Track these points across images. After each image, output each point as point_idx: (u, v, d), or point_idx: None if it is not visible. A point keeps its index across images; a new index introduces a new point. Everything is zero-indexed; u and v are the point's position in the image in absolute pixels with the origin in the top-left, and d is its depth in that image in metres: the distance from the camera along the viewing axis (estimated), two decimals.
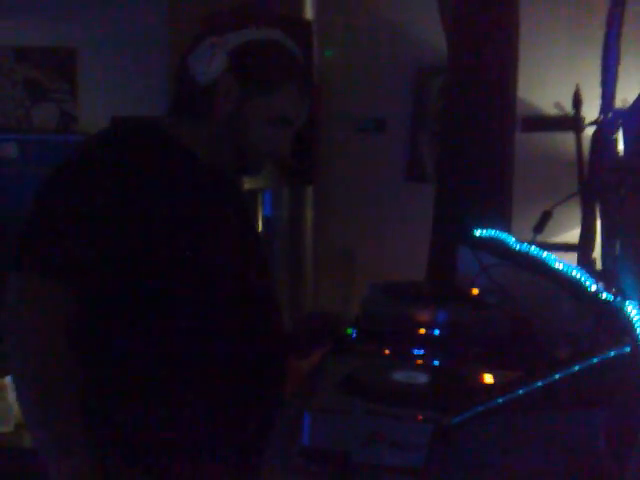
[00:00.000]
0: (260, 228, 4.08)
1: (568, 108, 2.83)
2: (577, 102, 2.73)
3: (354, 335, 2.05)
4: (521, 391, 1.48)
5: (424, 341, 1.94)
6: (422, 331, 1.99)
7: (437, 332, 2.00)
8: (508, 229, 3.14)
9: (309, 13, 4.38)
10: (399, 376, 1.65)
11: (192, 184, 1.87)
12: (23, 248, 1.70)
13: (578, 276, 2.02)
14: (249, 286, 1.92)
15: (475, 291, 2.31)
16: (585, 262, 2.42)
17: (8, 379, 3.34)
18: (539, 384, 1.49)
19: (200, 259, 1.80)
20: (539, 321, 2.10)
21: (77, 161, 1.79)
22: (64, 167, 1.78)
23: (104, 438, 1.73)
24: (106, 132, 1.89)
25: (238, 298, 1.88)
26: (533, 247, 2.39)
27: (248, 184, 3.71)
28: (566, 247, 2.78)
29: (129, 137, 1.86)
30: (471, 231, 2.77)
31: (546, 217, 2.49)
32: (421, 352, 1.87)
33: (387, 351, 1.90)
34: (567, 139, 2.96)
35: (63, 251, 1.67)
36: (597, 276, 2.00)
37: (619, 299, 1.78)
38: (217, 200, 1.94)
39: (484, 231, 2.78)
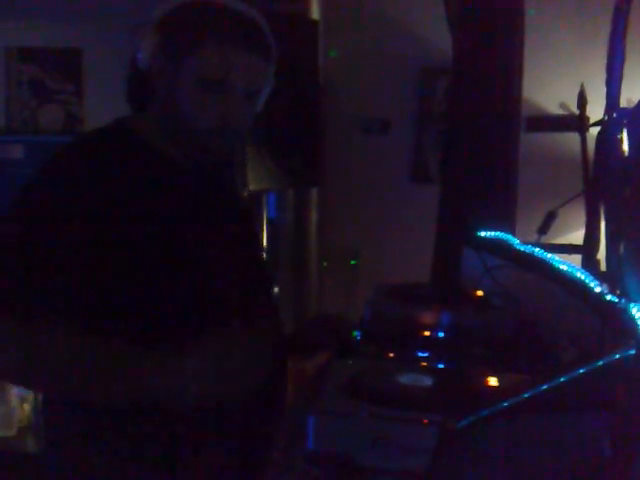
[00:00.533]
0: (264, 230, 4.08)
1: (573, 108, 2.83)
2: (582, 102, 2.72)
3: (358, 337, 2.04)
4: (526, 394, 1.48)
5: (429, 343, 1.94)
6: (426, 333, 1.99)
7: (441, 334, 2.00)
8: (512, 230, 3.14)
9: (315, 13, 4.38)
10: (404, 379, 1.64)
11: (151, 182, 1.76)
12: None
13: (583, 278, 2.01)
14: (236, 279, 1.85)
15: (480, 293, 2.31)
16: (590, 263, 2.41)
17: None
18: (544, 387, 1.49)
19: (174, 255, 1.72)
20: (544, 323, 2.09)
21: (45, 179, 1.72)
22: (34, 184, 1.73)
23: (101, 432, 1.71)
24: (68, 146, 1.79)
25: (224, 291, 1.82)
26: (537, 248, 2.39)
27: (253, 186, 3.72)
28: (571, 248, 2.77)
29: (90, 146, 1.79)
30: (475, 232, 2.77)
31: (551, 218, 2.49)
32: (426, 354, 1.86)
33: (391, 354, 1.90)
34: (572, 139, 2.96)
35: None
36: (602, 278, 2.00)
37: (624, 301, 1.77)
38: (182, 195, 1.82)
39: (488, 232, 2.77)
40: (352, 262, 4.76)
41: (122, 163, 1.74)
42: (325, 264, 4.71)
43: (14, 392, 3.32)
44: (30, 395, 3.37)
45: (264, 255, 3.80)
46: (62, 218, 1.64)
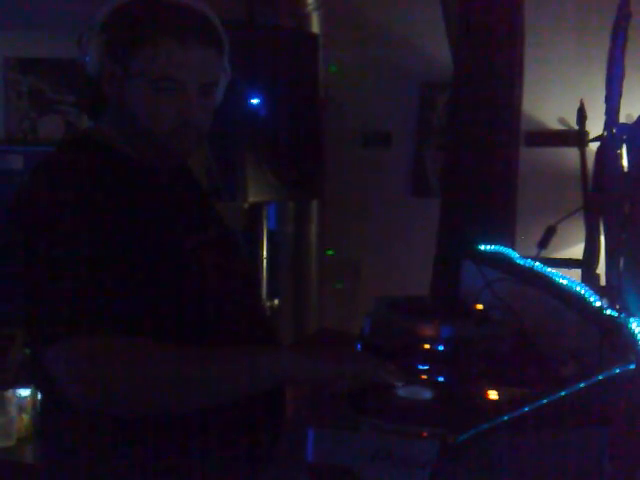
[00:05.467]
0: (264, 242, 4.08)
1: (572, 123, 2.83)
2: (581, 117, 2.73)
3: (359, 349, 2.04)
4: (526, 408, 1.48)
5: (428, 356, 1.94)
6: (426, 346, 1.99)
7: (441, 347, 2.00)
8: (512, 244, 3.15)
9: (316, 27, 4.40)
10: (404, 392, 1.64)
11: (125, 187, 1.70)
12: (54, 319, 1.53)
13: (582, 292, 2.02)
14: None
15: (479, 306, 2.31)
16: (589, 278, 2.42)
17: (10, 392, 3.35)
18: (544, 401, 1.49)
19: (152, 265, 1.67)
20: (543, 337, 2.10)
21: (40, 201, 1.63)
22: (35, 209, 1.63)
23: (110, 437, 1.68)
24: (42, 166, 1.71)
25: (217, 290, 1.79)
26: (537, 262, 2.39)
27: (253, 198, 3.72)
28: (570, 262, 2.78)
29: (68, 157, 1.73)
30: (475, 246, 2.77)
31: (550, 232, 2.49)
32: (425, 367, 1.86)
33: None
34: (571, 154, 2.96)
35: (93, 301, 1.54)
36: (601, 292, 2.00)
37: (623, 315, 1.77)
38: (160, 206, 1.78)
39: (488, 246, 2.78)
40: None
41: (99, 172, 1.68)
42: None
43: (13, 402, 3.32)
44: (29, 405, 3.38)
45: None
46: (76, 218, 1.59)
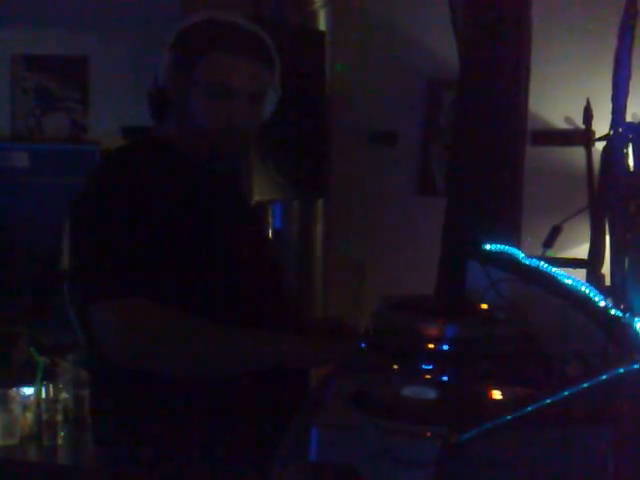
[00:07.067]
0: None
1: (578, 122, 2.83)
2: (588, 116, 2.73)
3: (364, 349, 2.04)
4: (530, 408, 1.47)
5: (433, 356, 1.94)
6: (431, 346, 1.99)
7: (446, 347, 1.99)
8: (518, 244, 3.14)
9: (322, 24, 4.39)
10: (408, 391, 1.64)
11: (190, 184, 2.01)
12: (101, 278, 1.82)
13: (587, 292, 2.01)
14: (261, 278, 2.08)
15: (484, 306, 2.31)
16: (594, 278, 2.41)
17: (14, 391, 3.35)
18: (548, 401, 1.49)
19: (214, 255, 1.94)
20: (548, 337, 2.09)
21: (101, 186, 1.95)
22: (92, 192, 1.95)
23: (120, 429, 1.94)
24: (111, 158, 2.12)
25: (250, 287, 2.03)
26: (542, 262, 2.39)
27: (258, 196, 3.72)
28: (575, 262, 2.77)
29: (129, 155, 2.07)
30: (481, 245, 2.77)
31: (556, 232, 2.49)
32: (430, 367, 1.86)
33: (395, 366, 1.90)
34: (577, 154, 2.96)
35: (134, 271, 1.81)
36: (606, 292, 2.00)
37: (628, 315, 1.77)
38: (211, 195, 2.07)
39: (494, 246, 2.77)
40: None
41: (157, 167, 1.99)
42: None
43: (17, 401, 3.33)
44: (32, 404, 3.38)
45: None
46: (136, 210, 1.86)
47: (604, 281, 2.39)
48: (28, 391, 3.41)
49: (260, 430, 1.95)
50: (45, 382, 3.36)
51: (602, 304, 1.92)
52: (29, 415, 3.39)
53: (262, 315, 2.02)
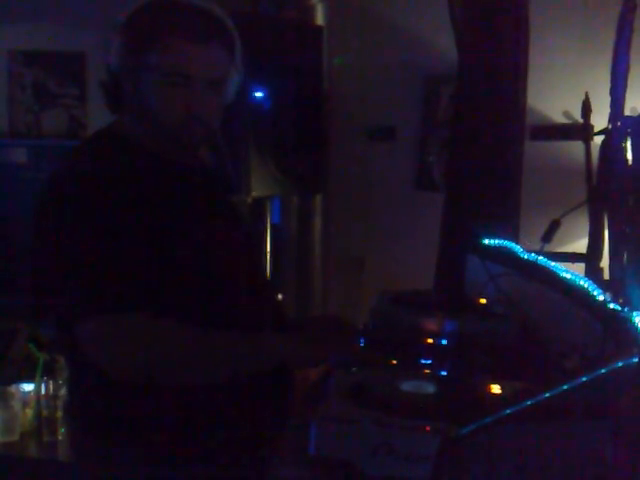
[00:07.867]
0: (267, 236, 4.07)
1: (577, 117, 2.82)
2: (586, 110, 2.72)
3: (362, 344, 2.04)
4: (529, 402, 1.48)
5: (432, 351, 1.94)
6: (430, 340, 1.99)
7: (445, 341, 2.00)
8: (516, 238, 3.14)
9: (320, 19, 4.38)
10: (407, 386, 1.64)
11: (158, 184, 1.87)
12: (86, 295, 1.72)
13: (586, 286, 2.01)
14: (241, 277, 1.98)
15: (483, 300, 2.31)
16: (593, 272, 2.41)
17: (14, 387, 3.35)
18: (547, 395, 1.49)
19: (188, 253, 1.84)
20: (547, 331, 2.09)
21: (72, 195, 1.79)
22: (64, 202, 1.79)
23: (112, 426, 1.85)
24: (77, 162, 1.91)
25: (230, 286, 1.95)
26: (541, 256, 2.39)
27: (256, 192, 3.72)
28: (574, 257, 2.77)
29: (96, 153, 1.90)
30: (479, 240, 2.77)
31: (554, 226, 2.48)
32: (429, 362, 1.86)
33: (395, 361, 1.90)
34: (576, 148, 2.95)
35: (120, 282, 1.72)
36: (605, 286, 2.00)
37: (627, 309, 1.77)
38: (182, 192, 1.93)
39: (492, 240, 2.77)
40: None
41: (122, 164, 1.84)
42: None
43: (17, 397, 3.32)
44: (32, 400, 3.38)
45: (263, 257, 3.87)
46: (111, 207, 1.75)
47: (603, 275, 2.39)
48: (28, 387, 3.40)
49: (251, 430, 1.90)
50: (45, 378, 3.35)
51: (601, 298, 1.92)
52: (29, 411, 3.39)
53: (238, 311, 1.93)
